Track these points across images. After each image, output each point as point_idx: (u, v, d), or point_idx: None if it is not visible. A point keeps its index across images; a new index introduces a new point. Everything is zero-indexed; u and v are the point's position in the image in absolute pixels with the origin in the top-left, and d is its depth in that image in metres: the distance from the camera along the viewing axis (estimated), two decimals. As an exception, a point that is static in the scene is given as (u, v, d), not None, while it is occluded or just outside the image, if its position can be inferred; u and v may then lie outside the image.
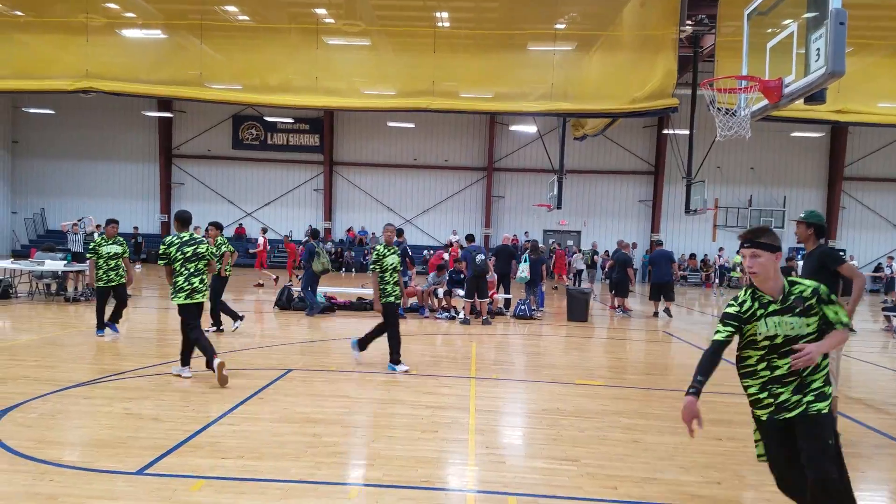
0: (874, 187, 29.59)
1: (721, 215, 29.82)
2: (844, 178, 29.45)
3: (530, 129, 27.69)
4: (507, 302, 14.57)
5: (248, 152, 30.87)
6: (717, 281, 27.35)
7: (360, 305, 14.04)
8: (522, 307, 13.54)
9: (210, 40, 14.07)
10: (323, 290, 14.51)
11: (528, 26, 14.32)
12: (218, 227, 10.62)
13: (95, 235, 14.45)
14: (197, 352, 7.05)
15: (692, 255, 30.20)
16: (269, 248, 20.93)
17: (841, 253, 21.86)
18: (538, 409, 6.27)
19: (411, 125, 29.70)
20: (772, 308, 3.21)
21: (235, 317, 10.35)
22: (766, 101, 6.60)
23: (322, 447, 4.95)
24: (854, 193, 29.76)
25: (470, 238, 13.73)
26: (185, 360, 7.21)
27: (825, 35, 5.45)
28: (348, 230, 30.63)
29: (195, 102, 26.47)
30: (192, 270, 7.13)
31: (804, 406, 3.17)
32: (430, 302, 13.47)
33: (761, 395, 3.36)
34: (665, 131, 28.63)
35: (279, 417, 5.67)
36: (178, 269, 7.08)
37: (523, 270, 13.73)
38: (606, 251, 25.26)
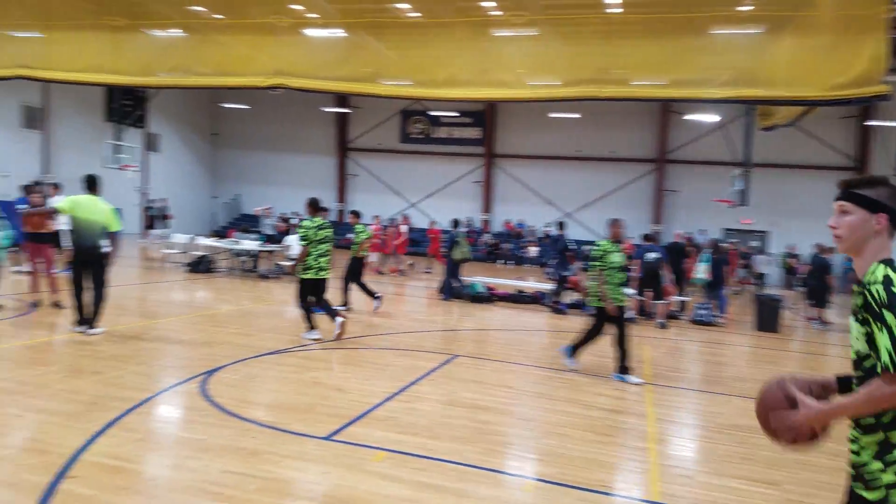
0: None
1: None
2: None
3: (709, 118, 25.75)
4: (683, 305, 13.62)
5: (413, 146, 32.01)
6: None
7: (519, 298, 13.93)
8: (702, 312, 12.55)
9: (384, 38, 14.65)
10: (483, 280, 14.64)
11: (709, 9, 13.28)
12: (357, 214, 11.48)
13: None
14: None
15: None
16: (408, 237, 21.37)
17: None
18: (726, 423, 5.71)
19: (577, 115, 28.87)
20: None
21: (373, 295, 10.84)
22: None
23: (493, 435, 4.90)
24: None
25: (648, 237, 12.98)
26: (311, 324, 8.01)
27: None
28: (506, 223, 30.67)
29: (368, 98, 28.14)
30: (321, 251, 8.00)
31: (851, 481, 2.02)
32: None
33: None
34: (869, 122, 25.28)
35: (449, 401, 5.72)
36: (310, 249, 7.93)
37: (701, 271, 12.74)
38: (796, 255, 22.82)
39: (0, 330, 7.62)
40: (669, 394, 6.81)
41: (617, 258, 7.11)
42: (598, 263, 7.08)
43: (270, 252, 16.02)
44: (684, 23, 13.39)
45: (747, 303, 14.09)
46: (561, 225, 13.47)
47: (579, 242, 21.79)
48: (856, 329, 1.96)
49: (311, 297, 7.97)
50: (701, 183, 28.17)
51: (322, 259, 7.99)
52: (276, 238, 18.73)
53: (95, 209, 7.40)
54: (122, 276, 12.75)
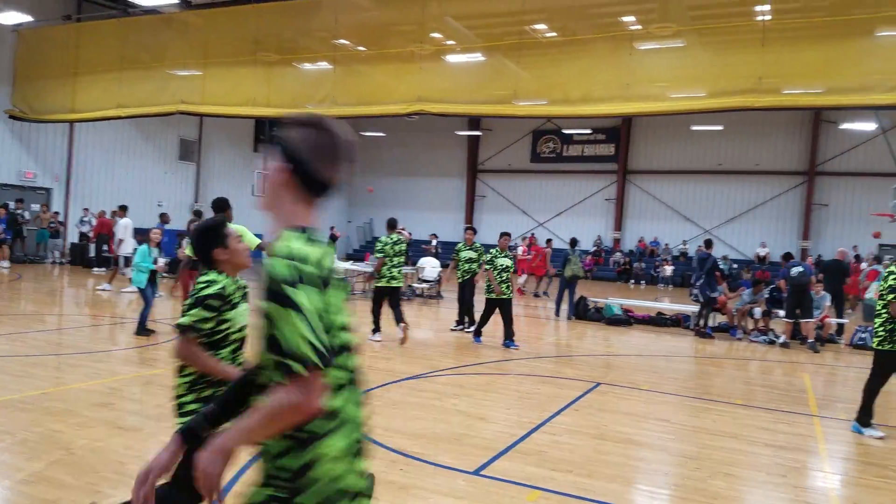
0: None
1: None
2: None
3: (866, 126, 23.42)
4: (840, 328, 12.41)
5: (544, 165, 31.86)
6: None
7: (659, 320, 13.33)
8: (863, 335, 11.38)
9: (521, 58, 14.75)
10: (620, 301, 14.18)
11: (872, 10, 12.12)
12: (473, 230, 11.50)
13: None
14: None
15: None
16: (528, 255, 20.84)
17: None
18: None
19: (719, 127, 27.36)
20: None
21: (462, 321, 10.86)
22: None
23: (652, 474, 4.68)
24: None
25: (788, 256, 12.05)
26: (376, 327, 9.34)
27: None
28: (640, 241, 29.58)
29: (501, 120, 28.46)
30: (394, 263, 9.21)
31: None
32: (744, 322, 12.16)
33: None
34: None
35: (599, 434, 5.54)
36: (386, 262, 9.12)
37: (872, 290, 11.58)
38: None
39: (156, 357, 7.78)
40: (839, 427, 6.20)
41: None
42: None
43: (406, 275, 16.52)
44: (842, 26, 12.39)
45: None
46: (708, 243, 12.75)
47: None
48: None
49: (383, 302, 9.26)
50: (854, 195, 25.70)
51: (395, 269, 9.24)
52: (409, 260, 19.25)
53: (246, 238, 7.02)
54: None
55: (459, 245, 10.92)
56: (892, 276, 5.76)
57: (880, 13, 12.20)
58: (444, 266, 17.37)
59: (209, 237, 2.88)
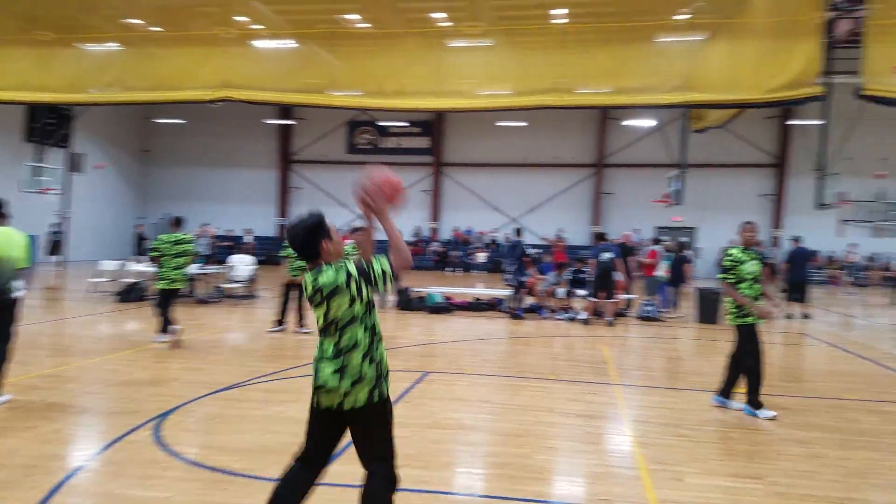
0: None
1: (849, 210, 27.40)
2: None
3: (645, 123, 26.67)
4: (629, 302, 14.05)
5: (361, 156, 31.73)
6: (847, 279, 25.18)
7: (476, 305, 14.02)
8: (648, 308, 13.00)
9: (335, 48, 14.51)
10: (441, 290, 14.66)
11: (652, 17, 13.78)
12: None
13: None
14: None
15: (815, 253, 27.87)
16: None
17: None
18: (698, 420, 5.91)
19: (523, 123, 29.41)
20: None
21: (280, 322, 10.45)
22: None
23: (483, 456, 4.89)
24: None
25: (600, 237, 13.29)
26: (163, 328, 8.69)
27: None
28: (454, 230, 30.84)
29: (313, 109, 27.74)
30: (175, 263, 8.68)
31: None
32: (549, 302, 13.23)
33: None
34: (790, 122, 26.73)
35: (431, 423, 5.66)
36: (163, 262, 8.63)
37: (663, 269, 13.29)
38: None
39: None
40: (638, 393, 7.00)
41: (751, 268, 6.23)
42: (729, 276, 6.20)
43: (205, 275, 15.23)
44: (628, 31, 13.85)
45: (685, 297, 14.59)
46: (518, 231, 13.65)
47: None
48: None
49: (165, 304, 8.68)
50: (635, 184, 29.28)
51: (175, 272, 8.72)
52: (216, 258, 17.98)
53: (10, 242, 5.73)
54: (41, 312, 11.88)
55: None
56: (727, 258, 6.21)
57: (660, 20, 13.88)
58: (259, 263, 16.61)
59: (318, 232, 3.16)
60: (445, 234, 31.16)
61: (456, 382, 7.26)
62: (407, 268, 3.14)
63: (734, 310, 6.15)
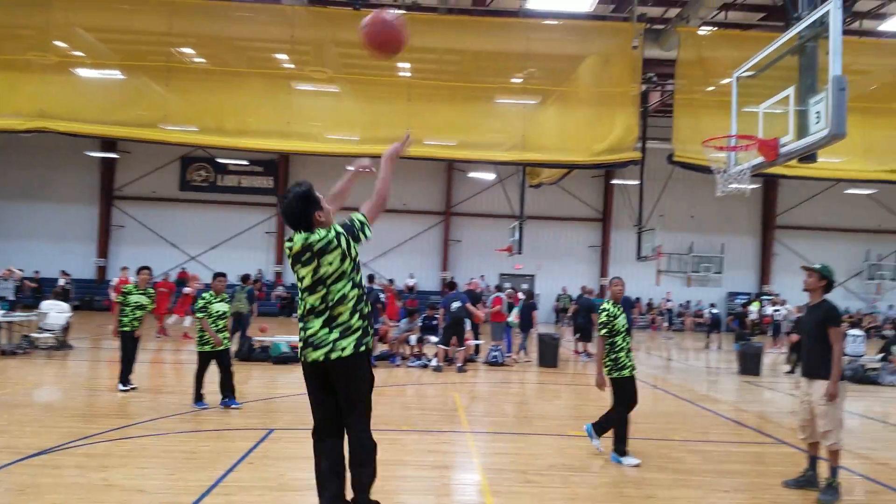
0: (803, 235, 31.34)
1: (664, 261, 30.82)
2: (776, 226, 31.13)
3: (488, 175, 28.12)
4: (478, 348, 14.43)
5: (196, 194, 30.01)
6: (665, 324, 28.05)
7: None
8: (495, 353, 13.43)
9: (171, 82, 13.73)
10: (286, 338, 14.00)
11: (489, 80, 14.66)
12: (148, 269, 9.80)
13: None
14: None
15: (637, 300, 30.88)
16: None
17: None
18: (545, 465, 6.10)
19: (371, 169, 29.64)
20: None
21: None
22: (759, 159, 6.87)
23: (336, 518, 4.62)
24: (785, 240, 31.42)
25: (451, 285, 13.57)
26: None
27: (826, 100, 5.77)
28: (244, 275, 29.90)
29: (141, 143, 25.82)
30: None
31: None
32: (401, 349, 13.18)
33: None
34: (613, 181, 29.64)
35: (278, 485, 5.29)
36: None
37: (513, 315, 13.90)
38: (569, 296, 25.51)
39: None
40: (489, 440, 7.11)
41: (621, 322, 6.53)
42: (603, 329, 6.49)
43: (10, 322, 13.29)
44: (470, 91, 14.60)
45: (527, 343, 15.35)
46: (370, 277, 13.57)
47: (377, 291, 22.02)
48: None
49: None
50: (481, 233, 30.62)
51: None
52: (23, 303, 15.79)
53: None
54: None
55: (129, 286, 9.35)
56: (604, 313, 6.42)
57: (498, 83, 14.78)
58: (75, 309, 14.85)
59: (311, 201, 3.27)
60: (291, 277, 30.17)
61: (304, 439, 6.84)
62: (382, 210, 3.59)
63: (609, 363, 6.38)
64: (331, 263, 3.27)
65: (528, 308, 14.44)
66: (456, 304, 12.37)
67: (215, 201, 30.11)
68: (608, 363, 6.39)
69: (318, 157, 26.69)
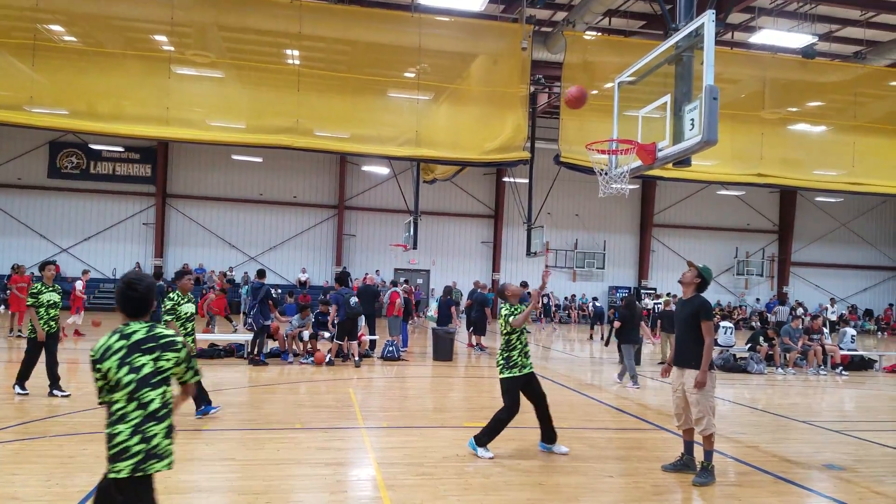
0: (678, 233, 33.88)
1: (551, 257, 32.27)
2: (654, 224, 33.41)
3: (382, 170, 28.04)
4: (373, 343, 14.45)
5: (66, 182, 27.73)
6: (552, 317, 29.26)
7: (212, 352, 13.08)
8: (391, 348, 13.50)
9: (37, 62, 12.62)
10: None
11: (382, 73, 14.63)
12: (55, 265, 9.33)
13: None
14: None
15: (528, 293, 32.12)
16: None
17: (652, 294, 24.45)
18: (439, 457, 6.27)
19: (258, 159, 28.71)
20: None
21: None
22: (637, 163, 7.36)
23: (228, 521, 4.55)
24: (662, 238, 33.80)
25: (342, 280, 13.43)
26: None
27: (700, 108, 6.26)
28: (183, 266, 28.51)
29: (4, 126, 23.51)
30: None
31: None
32: (294, 346, 12.94)
33: None
34: (504, 179, 30.55)
35: (163, 489, 4.95)
36: None
37: (432, 310, 14.07)
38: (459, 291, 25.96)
39: None
40: (383, 434, 7.19)
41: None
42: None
43: None
44: (362, 83, 14.48)
45: (421, 336, 15.62)
46: (261, 273, 13.17)
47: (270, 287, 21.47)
48: None
49: None
50: (376, 228, 30.55)
51: None
52: None
53: None
54: None
55: (38, 285, 8.52)
56: (505, 311, 6.44)
57: (391, 77, 14.75)
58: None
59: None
60: (171, 271, 28.63)
61: (191, 441, 6.64)
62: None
63: (502, 361, 6.45)
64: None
65: (447, 304, 14.75)
66: (354, 300, 12.31)
67: (88, 189, 27.99)
68: (500, 361, 6.48)
69: (199, 145, 25.66)
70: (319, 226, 30.32)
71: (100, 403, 3.07)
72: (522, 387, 6.47)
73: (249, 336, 13.19)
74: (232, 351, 13.14)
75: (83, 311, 16.74)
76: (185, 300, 7.78)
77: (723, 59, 14.87)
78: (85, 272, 17.61)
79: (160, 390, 3.10)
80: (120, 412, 3.01)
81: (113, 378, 3.01)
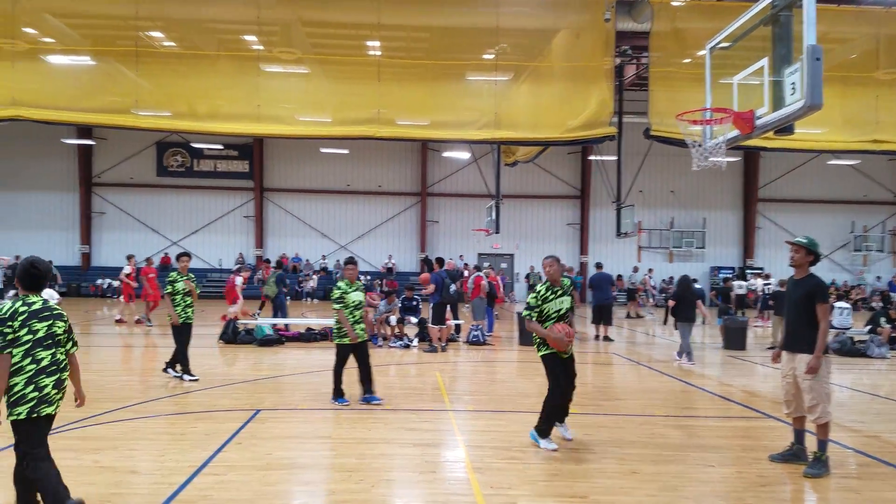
0: (786, 208, 31.71)
1: (644, 237, 31.14)
2: (759, 199, 31.44)
3: (463, 155, 28.07)
4: (458, 328, 14.58)
5: (173, 179, 29.73)
6: (651, 301, 28.18)
7: (308, 336, 13.67)
8: (476, 333, 13.57)
9: (141, 67, 13.54)
10: (269, 321, 14.06)
11: (460, 57, 14.58)
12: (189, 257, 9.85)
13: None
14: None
15: (619, 277, 31.23)
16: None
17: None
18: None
19: (345, 151, 29.52)
20: None
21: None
22: (734, 132, 6.95)
23: (323, 496, 4.75)
24: (768, 214, 31.80)
25: (440, 262, 13.54)
26: None
27: (801, 70, 5.81)
28: (281, 257, 29.88)
29: (116, 129, 25.44)
30: None
31: None
32: (382, 330, 13.29)
33: None
34: (590, 157, 29.78)
35: (265, 464, 5.39)
36: None
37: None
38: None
39: None
40: (470, 418, 7.24)
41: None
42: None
43: None
44: (440, 69, 14.51)
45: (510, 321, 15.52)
46: (351, 260, 13.57)
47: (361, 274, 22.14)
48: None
49: None
50: (458, 213, 30.70)
51: None
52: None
53: None
54: None
55: (174, 274, 9.11)
56: (532, 296, 6.16)
57: (469, 60, 14.70)
58: (61, 295, 14.61)
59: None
60: (273, 260, 30.08)
61: (289, 419, 6.99)
62: None
63: (538, 339, 6.14)
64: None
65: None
66: (453, 287, 12.51)
67: (193, 186, 29.85)
68: (537, 339, 6.17)
69: (290, 140, 26.69)
70: (404, 213, 30.83)
71: None
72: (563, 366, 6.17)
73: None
74: (326, 335, 13.66)
75: (134, 299, 17.13)
76: (353, 289, 7.85)
77: (827, 18, 13.71)
78: (129, 257, 17.68)
79: (51, 351, 3.91)
80: (16, 366, 3.80)
81: (13, 335, 3.81)
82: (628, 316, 22.71)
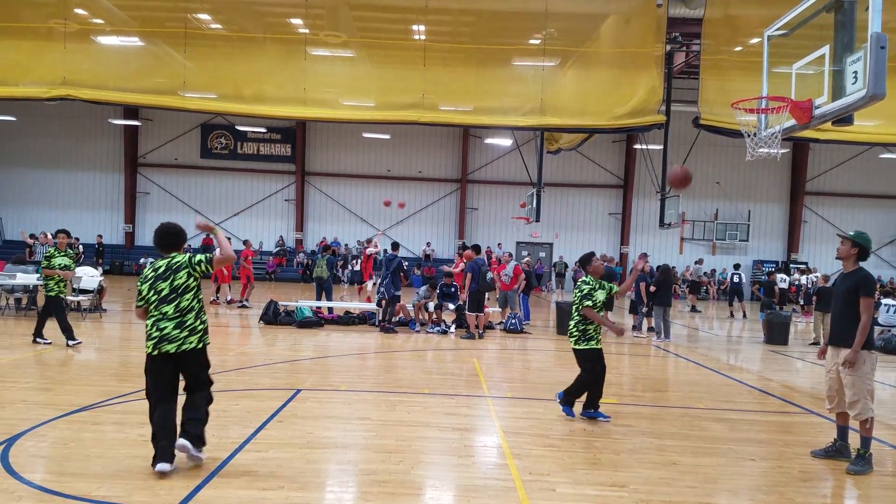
0: (834, 202, 30.70)
1: (688, 229, 30.49)
2: (806, 192, 30.48)
3: (504, 142, 27.85)
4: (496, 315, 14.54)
5: (216, 161, 30.28)
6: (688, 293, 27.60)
7: (347, 319, 13.79)
8: (513, 321, 13.51)
9: (189, 49, 13.74)
10: (308, 303, 14.25)
11: (506, 42, 14.38)
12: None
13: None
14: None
15: (673, 268, 30.68)
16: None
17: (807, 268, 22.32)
18: (566, 430, 6.19)
19: (387, 136, 29.58)
20: None
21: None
22: (791, 122, 6.70)
23: (363, 475, 4.77)
24: (815, 208, 30.81)
25: (476, 249, 13.54)
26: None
27: (864, 58, 5.57)
28: (321, 241, 30.23)
29: (162, 111, 26.00)
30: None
31: None
32: (421, 316, 13.33)
33: None
34: (635, 146, 29.22)
35: (306, 442, 5.45)
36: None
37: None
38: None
39: None
40: (508, 405, 7.20)
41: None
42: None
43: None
44: (486, 53, 14.35)
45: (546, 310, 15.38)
46: (394, 246, 13.64)
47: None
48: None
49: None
50: (497, 200, 30.52)
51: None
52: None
53: None
54: None
55: (51, 250, 9.73)
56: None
57: (515, 45, 14.50)
58: (105, 273, 15.16)
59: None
60: (311, 244, 30.46)
61: (330, 399, 7.06)
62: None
63: (577, 333, 6.58)
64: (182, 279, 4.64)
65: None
66: (490, 275, 12.47)
67: (236, 168, 30.36)
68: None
69: (333, 124, 26.84)
70: (443, 200, 30.81)
71: (137, 307, 4.77)
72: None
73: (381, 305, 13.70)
74: (365, 318, 13.77)
75: (230, 280, 17.74)
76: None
77: (893, 4, 13.09)
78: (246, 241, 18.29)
79: (174, 304, 4.62)
80: (150, 316, 4.66)
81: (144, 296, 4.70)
82: (693, 309, 22.19)
